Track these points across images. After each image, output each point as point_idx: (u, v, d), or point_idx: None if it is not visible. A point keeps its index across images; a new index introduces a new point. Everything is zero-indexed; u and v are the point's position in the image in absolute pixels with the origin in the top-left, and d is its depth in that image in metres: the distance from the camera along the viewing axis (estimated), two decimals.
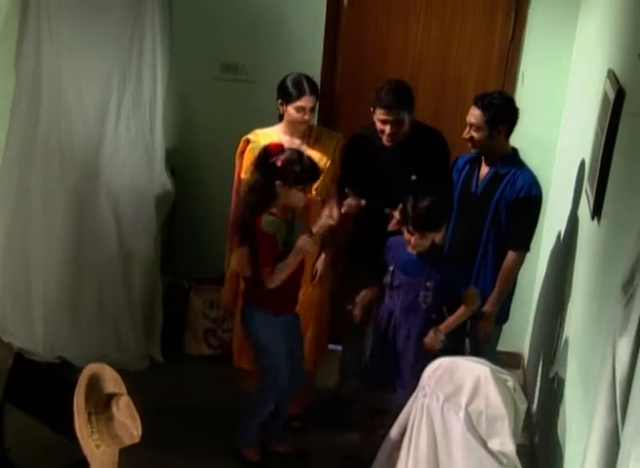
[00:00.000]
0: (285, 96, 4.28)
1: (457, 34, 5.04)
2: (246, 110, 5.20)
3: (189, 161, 5.41)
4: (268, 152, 3.95)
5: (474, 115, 4.08)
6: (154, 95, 4.96)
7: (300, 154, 3.96)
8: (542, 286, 4.92)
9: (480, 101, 4.07)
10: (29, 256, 5.08)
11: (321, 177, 4.23)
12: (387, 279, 4.07)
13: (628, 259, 2.43)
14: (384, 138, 4.29)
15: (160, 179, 5.09)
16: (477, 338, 4.21)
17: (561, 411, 3.80)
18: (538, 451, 4.27)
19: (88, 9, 4.77)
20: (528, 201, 4.09)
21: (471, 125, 4.10)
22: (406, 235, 3.93)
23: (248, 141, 4.41)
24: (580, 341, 3.57)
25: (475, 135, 4.10)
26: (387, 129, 4.24)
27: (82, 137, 4.91)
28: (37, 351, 5.12)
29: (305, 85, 4.26)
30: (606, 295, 2.93)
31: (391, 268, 4.06)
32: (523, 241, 4.17)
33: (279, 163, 3.86)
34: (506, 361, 5.16)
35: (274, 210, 3.93)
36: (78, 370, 4.66)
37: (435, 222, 3.90)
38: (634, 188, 2.69)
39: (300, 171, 3.86)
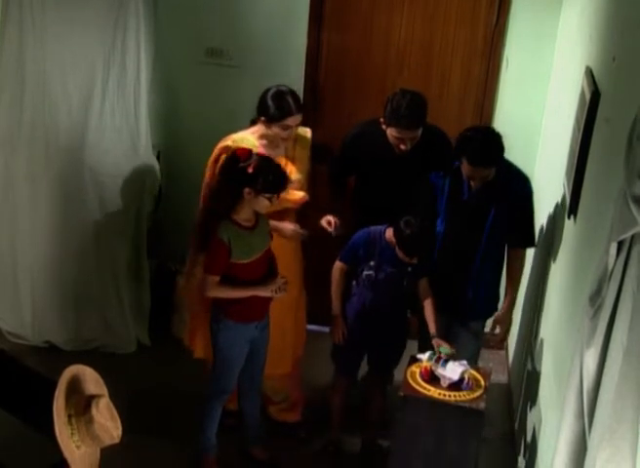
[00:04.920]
0: (268, 116, 4.04)
1: (441, 20, 5.00)
2: (230, 95, 5.21)
3: (174, 145, 5.42)
4: (237, 157, 3.77)
5: (478, 172, 3.93)
6: (138, 80, 4.93)
7: (270, 161, 3.81)
8: (528, 273, 4.93)
9: (479, 162, 3.89)
10: (16, 241, 5.11)
11: (303, 176, 4.25)
12: (372, 274, 4.11)
13: (596, 271, 2.46)
14: (399, 150, 4.21)
15: (145, 164, 5.09)
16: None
17: (537, 402, 3.86)
18: (517, 438, 4.34)
19: None
20: (526, 200, 4.07)
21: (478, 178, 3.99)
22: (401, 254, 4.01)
23: (226, 148, 4.11)
24: (556, 338, 3.62)
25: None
26: (404, 145, 4.17)
27: (67, 124, 4.90)
28: (25, 335, 5.19)
29: (292, 103, 4.03)
30: (579, 296, 2.96)
31: (373, 263, 4.10)
32: (530, 239, 4.18)
33: (250, 169, 3.70)
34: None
35: (236, 217, 3.82)
36: (65, 355, 4.69)
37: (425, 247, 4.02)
38: (606, 194, 2.71)
39: (272, 178, 3.74)
